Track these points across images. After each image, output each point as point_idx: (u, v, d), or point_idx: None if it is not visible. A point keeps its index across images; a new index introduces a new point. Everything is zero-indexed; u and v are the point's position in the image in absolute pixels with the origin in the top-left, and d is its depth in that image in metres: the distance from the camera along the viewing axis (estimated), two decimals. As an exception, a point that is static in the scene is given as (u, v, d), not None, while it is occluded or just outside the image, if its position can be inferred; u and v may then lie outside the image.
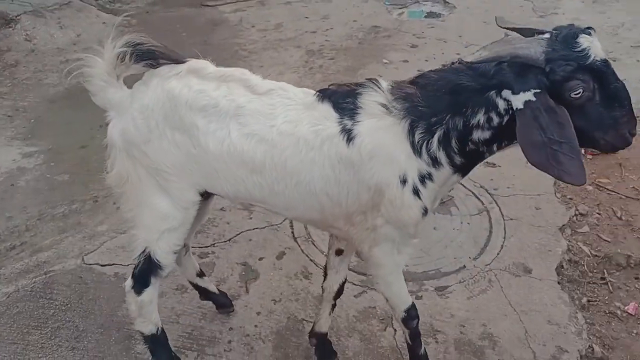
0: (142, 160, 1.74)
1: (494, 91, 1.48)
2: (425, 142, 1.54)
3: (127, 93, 1.77)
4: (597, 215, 2.95)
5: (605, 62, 1.43)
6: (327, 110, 1.61)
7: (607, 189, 3.13)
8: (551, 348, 2.23)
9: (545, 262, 2.62)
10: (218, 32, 5.54)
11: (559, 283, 2.53)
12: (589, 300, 2.48)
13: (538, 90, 1.43)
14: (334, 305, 2.15)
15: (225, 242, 2.82)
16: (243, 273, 2.64)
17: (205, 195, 1.83)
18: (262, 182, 1.66)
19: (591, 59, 1.41)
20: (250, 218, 2.97)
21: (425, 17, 5.89)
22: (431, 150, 1.55)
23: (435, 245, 2.75)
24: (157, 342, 2.04)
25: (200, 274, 2.33)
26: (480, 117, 1.51)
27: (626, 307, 2.45)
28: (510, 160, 3.20)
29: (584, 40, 1.42)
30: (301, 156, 1.60)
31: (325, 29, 5.53)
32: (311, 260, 2.70)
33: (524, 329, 2.31)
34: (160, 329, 2.04)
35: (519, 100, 1.44)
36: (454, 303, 2.45)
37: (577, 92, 1.43)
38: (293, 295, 2.51)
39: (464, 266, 2.63)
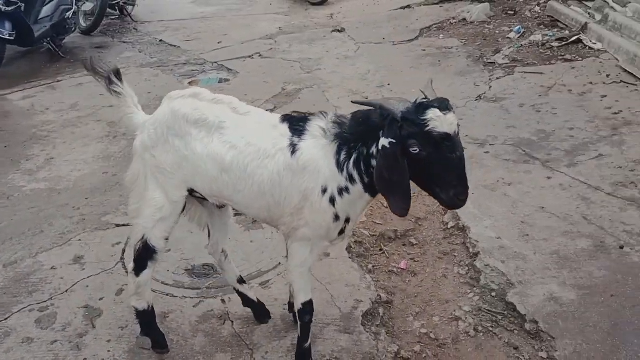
0: (151, 161, 2.23)
1: (381, 131, 1.91)
2: (346, 162, 2.00)
3: (147, 117, 2.32)
4: (370, 208, 3.82)
5: (444, 136, 1.77)
6: (285, 129, 2.09)
7: (375, 189, 4.05)
8: (351, 302, 2.91)
9: (338, 246, 3.35)
10: (11, 118, 5.57)
11: (350, 258, 3.26)
12: (373, 266, 3.26)
13: (393, 140, 1.82)
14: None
15: (62, 294, 3.02)
16: (87, 314, 2.88)
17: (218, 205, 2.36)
18: (229, 181, 2.12)
19: (429, 128, 1.77)
20: (84, 269, 3.22)
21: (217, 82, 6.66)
22: (349, 169, 2.00)
23: (254, 253, 3.31)
24: (147, 316, 2.54)
25: (241, 281, 2.71)
26: (374, 150, 1.95)
27: (399, 265, 3.28)
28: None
29: (431, 113, 1.77)
30: (259, 162, 2.09)
31: (121, 103, 5.91)
32: (149, 289, 3.05)
33: (330, 295, 2.96)
34: (151, 306, 2.52)
35: (382, 143, 1.86)
36: (275, 291, 3.01)
37: (414, 149, 1.81)
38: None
39: (280, 263, 3.22)
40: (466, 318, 2.84)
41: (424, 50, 7.13)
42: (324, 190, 2.03)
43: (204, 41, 8.60)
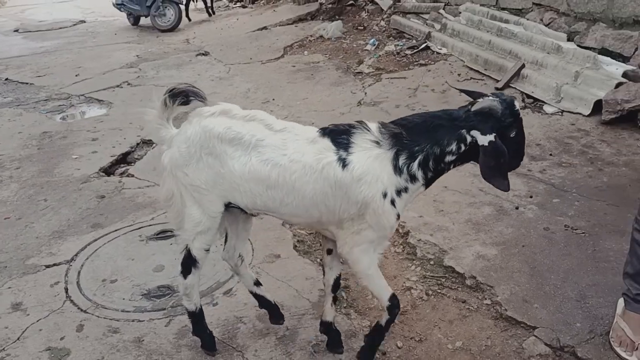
0: (183, 179, 2.25)
1: (464, 130, 2.15)
2: (407, 165, 2.16)
3: (175, 131, 2.35)
4: (299, 210, 4.07)
5: (521, 119, 2.22)
6: (326, 143, 2.16)
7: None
8: (316, 292, 3.13)
9: (285, 247, 3.55)
10: None
11: (300, 256, 3.48)
12: (321, 259, 3.50)
13: (495, 134, 2.12)
14: (334, 298, 2.64)
15: (14, 342, 2.79)
16: (52, 355, 2.71)
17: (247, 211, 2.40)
18: (275, 196, 2.19)
19: (520, 116, 2.20)
20: (28, 314, 2.99)
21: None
22: (412, 171, 2.17)
23: (206, 267, 3.31)
24: (195, 317, 2.66)
25: (257, 283, 2.80)
26: (453, 146, 2.16)
27: (343, 255, 3.57)
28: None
29: (517, 104, 2.20)
30: (306, 178, 2.15)
31: (-11, 146, 5.42)
32: (111, 319, 2.96)
33: (294, 290, 3.15)
34: (199, 308, 2.64)
35: (485, 139, 2.12)
36: (241, 297, 3.11)
37: (512, 133, 2.18)
38: (112, 349, 2.75)
39: (235, 272, 3.32)
40: (416, 286, 3.22)
41: (294, 66, 7.57)
42: (385, 195, 2.17)
43: (58, 75, 8.15)
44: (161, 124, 2.39)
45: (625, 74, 5.18)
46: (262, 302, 2.85)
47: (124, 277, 3.32)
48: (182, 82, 2.37)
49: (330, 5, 10.12)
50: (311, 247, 3.64)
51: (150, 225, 3.88)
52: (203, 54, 8.65)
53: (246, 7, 13.74)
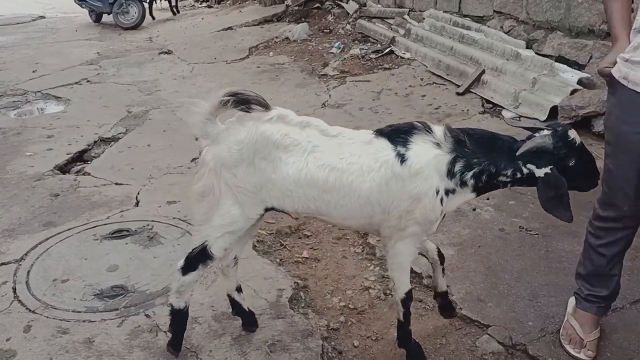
0: (230, 180, 2.23)
1: (521, 162, 2.19)
2: (462, 172, 2.20)
3: (223, 128, 2.25)
4: (259, 210, 4.04)
5: (582, 144, 2.23)
6: (383, 143, 2.20)
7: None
8: (274, 292, 3.11)
9: (244, 247, 3.50)
10: None
11: (259, 256, 3.45)
12: (281, 259, 3.49)
13: (551, 166, 2.16)
14: (443, 269, 2.72)
15: (-45, 344, 2.68)
16: (-4, 357, 2.61)
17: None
18: (330, 199, 2.20)
19: (576, 145, 2.20)
20: (-28, 315, 2.88)
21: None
22: (465, 178, 2.21)
23: (161, 268, 3.29)
24: (180, 315, 2.58)
25: (239, 290, 2.76)
26: (509, 171, 2.21)
27: (303, 255, 3.56)
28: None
29: (572, 134, 2.19)
30: (364, 177, 2.16)
31: (-61, 141, 5.21)
32: (61, 320, 2.86)
33: (252, 290, 3.11)
34: (187, 307, 2.58)
35: (540, 172, 2.18)
36: (197, 296, 3.06)
37: (571, 162, 2.19)
38: (61, 350, 2.66)
39: (191, 271, 3.27)
40: (374, 286, 3.24)
41: (259, 67, 7.54)
42: (437, 192, 2.22)
43: (14, 71, 7.92)
44: (209, 119, 2.28)
45: (580, 81, 5.35)
46: (237, 308, 2.82)
47: (75, 276, 3.22)
48: (249, 91, 2.23)
49: (296, 8, 10.13)
50: (271, 247, 3.61)
51: (105, 224, 3.78)
52: (166, 53, 8.53)
53: (212, 7, 13.63)
